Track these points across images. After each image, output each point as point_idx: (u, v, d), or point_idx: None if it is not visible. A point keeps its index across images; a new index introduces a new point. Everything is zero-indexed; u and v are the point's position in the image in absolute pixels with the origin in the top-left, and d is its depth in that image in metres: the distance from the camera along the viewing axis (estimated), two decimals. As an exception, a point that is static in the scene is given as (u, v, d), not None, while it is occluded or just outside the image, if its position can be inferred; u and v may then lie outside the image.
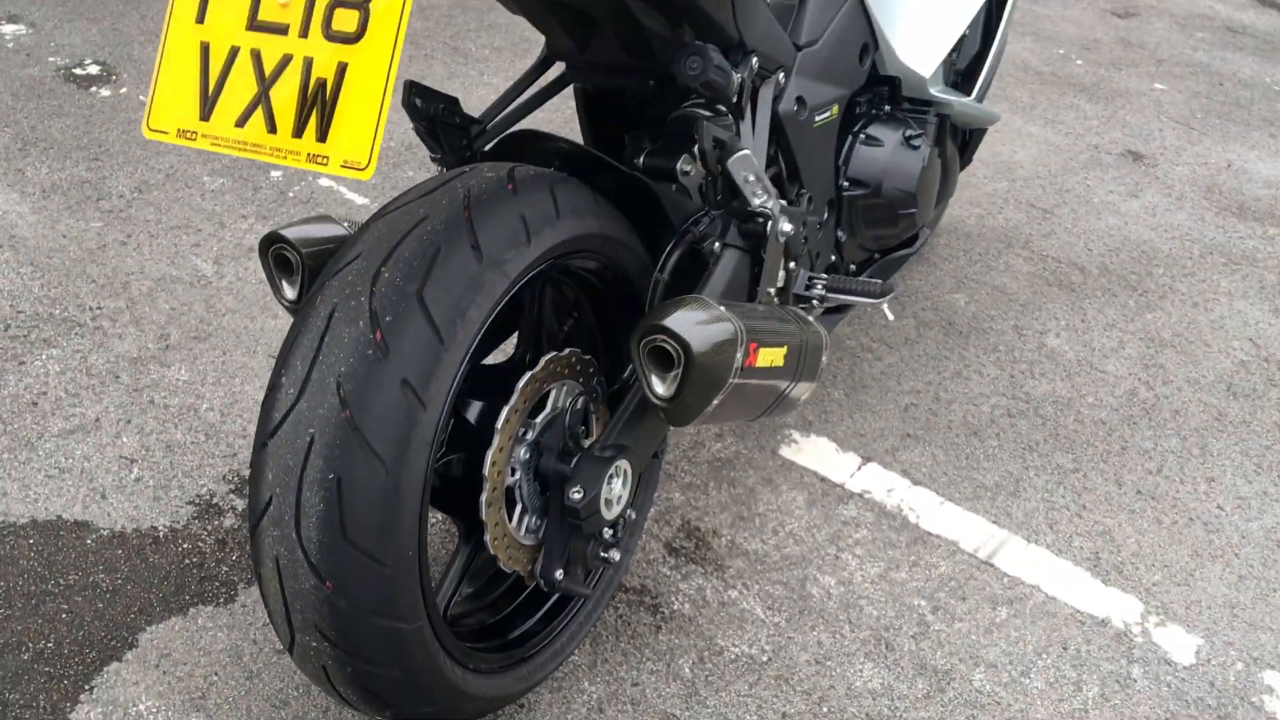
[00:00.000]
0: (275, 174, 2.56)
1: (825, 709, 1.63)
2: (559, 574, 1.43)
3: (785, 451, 2.09)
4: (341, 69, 1.05)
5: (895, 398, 2.28)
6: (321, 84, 1.05)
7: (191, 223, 2.34)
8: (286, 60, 1.07)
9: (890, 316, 2.37)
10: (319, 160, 1.06)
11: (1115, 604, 1.90)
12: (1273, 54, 4.75)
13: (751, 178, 1.44)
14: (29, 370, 1.92)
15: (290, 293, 1.43)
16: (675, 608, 1.74)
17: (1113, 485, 2.17)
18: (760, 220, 1.49)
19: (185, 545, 1.67)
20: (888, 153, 1.83)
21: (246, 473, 1.80)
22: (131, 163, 2.49)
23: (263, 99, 1.07)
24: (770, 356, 1.36)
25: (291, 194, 2.50)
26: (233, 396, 1.94)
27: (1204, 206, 3.33)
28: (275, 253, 1.42)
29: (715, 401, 1.29)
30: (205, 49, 1.10)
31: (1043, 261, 2.86)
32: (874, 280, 1.71)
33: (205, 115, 1.09)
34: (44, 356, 1.94)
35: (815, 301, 1.74)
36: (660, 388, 1.28)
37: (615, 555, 1.47)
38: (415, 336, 1.17)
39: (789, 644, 1.72)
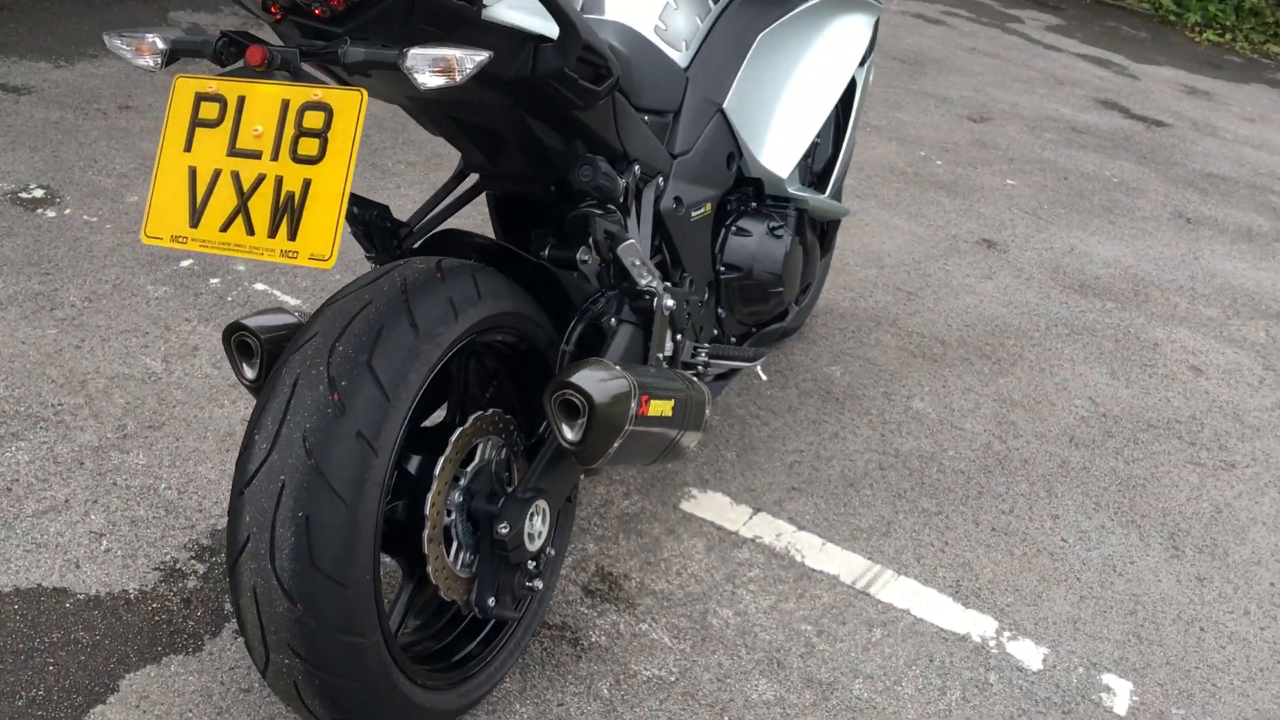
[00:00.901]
0: (214, 281, 2.81)
1: (726, 718, 1.88)
2: (491, 601, 1.67)
3: (685, 506, 2.36)
4: (306, 184, 1.32)
5: (781, 457, 2.58)
6: (290, 196, 1.33)
7: (139, 327, 2.57)
8: (260, 178, 1.34)
9: (764, 377, 2.68)
10: (289, 255, 1.33)
11: (974, 623, 2.20)
12: (1113, 150, 5.28)
13: (637, 262, 1.75)
14: (1, 461, 2.12)
15: (250, 373, 1.68)
16: (593, 640, 1.98)
17: (971, 524, 2.48)
18: (647, 298, 1.79)
19: (154, 605, 1.88)
20: (755, 242, 2.16)
21: (205, 542, 2.02)
22: (80, 275, 2.72)
23: (242, 209, 1.34)
24: (660, 408, 1.65)
25: (230, 298, 2.74)
26: (188, 477, 2.16)
27: (1050, 285, 3.74)
28: (237, 340, 1.67)
29: (616, 444, 1.57)
30: (193, 172, 1.37)
31: (908, 336, 3.22)
32: (748, 348, 2.02)
33: (194, 223, 1.36)
34: (13, 448, 2.15)
35: (701, 368, 2.04)
36: (570, 434, 1.55)
37: (539, 584, 1.72)
38: (366, 397, 1.43)
39: (694, 666, 1.97)
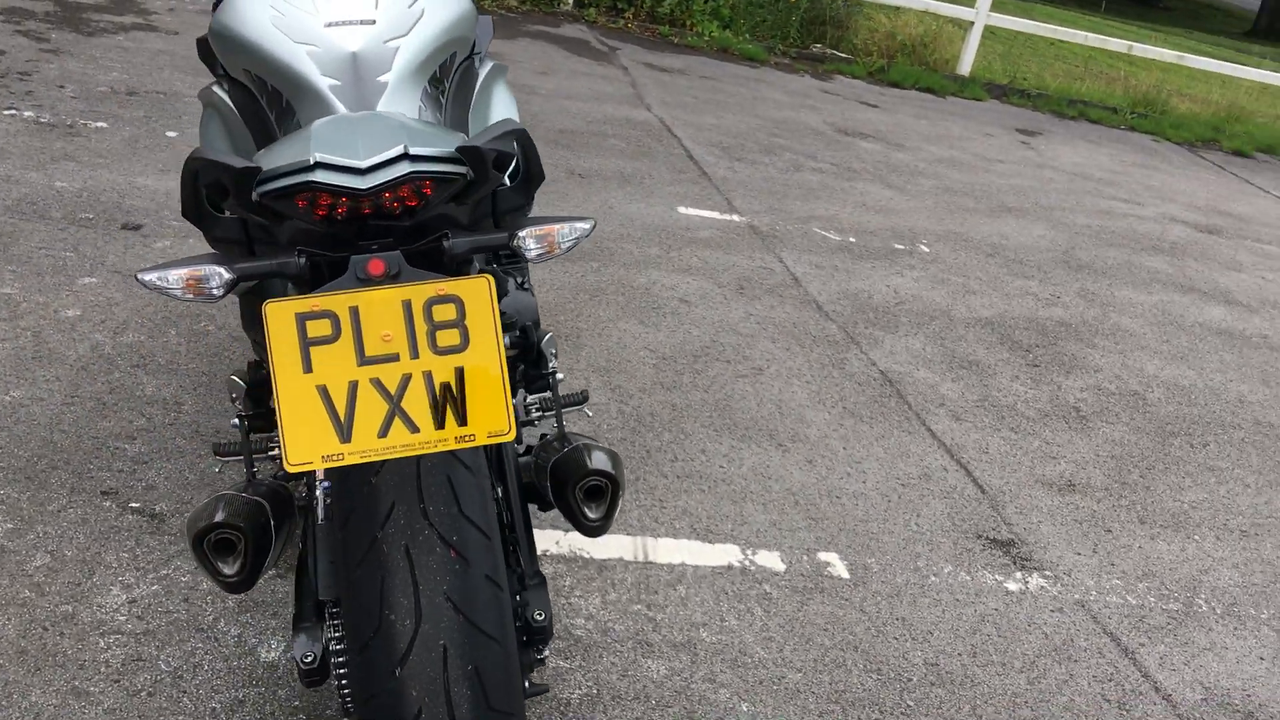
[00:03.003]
0: None
1: (653, 701, 2.22)
2: (526, 684, 1.84)
3: (475, 548, 2.56)
4: (459, 372, 1.39)
5: (504, 477, 2.84)
6: (446, 386, 1.38)
7: None
8: (407, 379, 1.37)
9: (590, 414, 2.91)
10: (466, 439, 1.39)
11: (726, 553, 2.72)
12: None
13: (554, 351, 1.95)
14: None
15: (230, 569, 1.62)
16: (516, 689, 2.18)
17: (661, 478, 2.98)
18: (553, 376, 2.00)
19: None
20: (513, 297, 2.39)
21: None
22: None
23: (396, 411, 1.36)
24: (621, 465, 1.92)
25: None
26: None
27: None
28: (215, 539, 1.60)
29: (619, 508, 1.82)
30: (324, 390, 1.34)
31: (495, 337, 3.56)
32: (574, 393, 2.28)
33: (345, 438, 1.35)
34: None
35: (535, 420, 2.26)
36: (593, 514, 1.77)
37: (547, 653, 1.91)
38: (476, 543, 1.54)
39: (599, 674, 2.25)
